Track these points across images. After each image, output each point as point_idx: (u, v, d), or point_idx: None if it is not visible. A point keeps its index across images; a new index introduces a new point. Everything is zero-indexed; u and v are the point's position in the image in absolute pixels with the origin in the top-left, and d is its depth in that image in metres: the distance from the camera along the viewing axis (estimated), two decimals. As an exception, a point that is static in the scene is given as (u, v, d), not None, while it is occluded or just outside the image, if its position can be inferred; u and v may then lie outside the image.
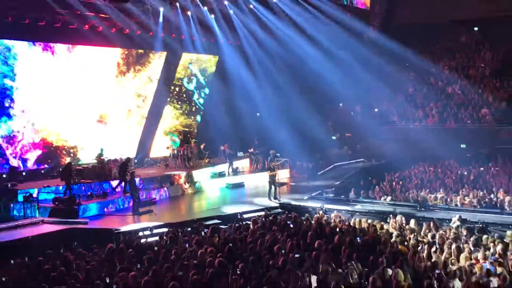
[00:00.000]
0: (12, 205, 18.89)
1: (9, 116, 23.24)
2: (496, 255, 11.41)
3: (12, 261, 12.20)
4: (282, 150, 27.10)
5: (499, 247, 11.95)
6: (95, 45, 25.82)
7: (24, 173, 23.11)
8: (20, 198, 19.06)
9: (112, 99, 27.51)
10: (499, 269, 10.51)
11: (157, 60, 29.40)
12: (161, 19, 25.24)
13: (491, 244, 12.44)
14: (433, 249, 12.19)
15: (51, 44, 24.48)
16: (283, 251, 11.52)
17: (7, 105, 23.12)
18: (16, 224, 17.10)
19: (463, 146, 26.81)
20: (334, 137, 31.81)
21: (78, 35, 24.48)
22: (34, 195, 19.17)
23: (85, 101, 25.82)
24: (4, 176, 22.18)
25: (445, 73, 31.67)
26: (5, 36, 22.73)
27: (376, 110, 32.09)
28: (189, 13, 25.85)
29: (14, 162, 23.39)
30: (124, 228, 16.99)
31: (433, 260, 11.13)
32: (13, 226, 16.85)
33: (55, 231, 16.59)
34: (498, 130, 26.28)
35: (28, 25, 22.60)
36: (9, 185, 20.23)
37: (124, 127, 28.16)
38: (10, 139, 23.41)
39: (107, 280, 10.18)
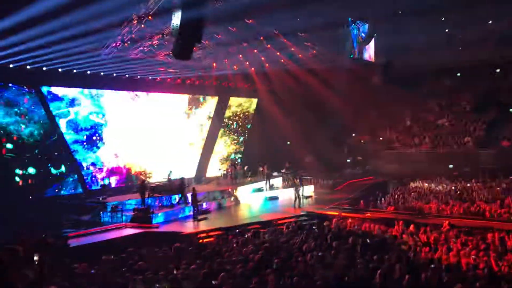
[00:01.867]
0: (102, 213, 19.27)
1: (98, 147, 23.75)
2: (480, 253, 11.12)
3: (103, 257, 12.33)
4: (307, 170, 26.99)
5: (482, 247, 11.66)
6: (165, 92, 26.36)
7: (111, 190, 23.47)
8: (109, 208, 19.36)
9: (179, 133, 27.94)
10: (481, 264, 10.23)
11: (212, 102, 29.79)
12: (214, 72, 25.61)
13: (475, 244, 12.13)
14: (428, 248, 11.94)
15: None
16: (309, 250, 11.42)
17: (94, 138, 23.64)
18: (105, 228, 17.35)
19: (450, 166, 26.26)
20: (348, 160, 31.53)
21: (152, 84, 25.04)
22: (119, 206, 19.42)
23: (158, 134, 26.27)
24: (97, 191, 22.61)
25: (435, 109, 31.21)
26: (98, 87, 23.39)
27: (381, 138, 31.71)
28: (235, 67, 26.18)
29: (103, 182, 23.85)
30: (186, 231, 17.07)
31: (428, 257, 10.88)
32: (103, 230, 17.09)
33: (135, 234, 16.75)
34: (478, 154, 25.76)
35: (115, 78, 23.27)
36: (100, 199, 20.59)
37: (187, 154, 28.49)
38: (99, 165, 23.88)
39: (174, 271, 10.20)
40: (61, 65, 20.12)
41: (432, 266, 9.75)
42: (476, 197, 20.75)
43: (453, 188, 23.21)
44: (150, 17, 16.65)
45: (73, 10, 13.47)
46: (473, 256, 10.80)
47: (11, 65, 18.58)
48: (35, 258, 4.65)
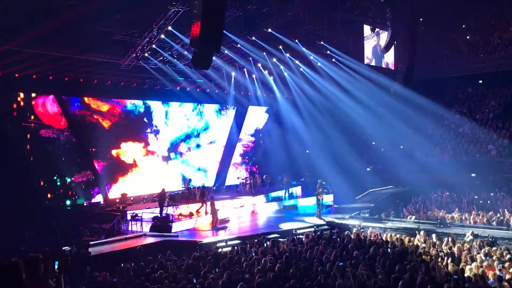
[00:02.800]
0: (122, 222, 19.33)
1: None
2: (506, 264, 10.92)
3: (122, 265, 12.43)
4: (327, 179, 26.82)
5: (507, 257, 11.45)
6: (185, 101, 26.64)
7: (131, 198, 23.57)
8: (128, 217, 19.49)
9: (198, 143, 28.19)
10: (507, 276, 10.06)
11: (231, 111, 29.94)
12: (232, 81, 25.75)
13: (499, 255, 11.92)
14: (451, 258, 11.78)
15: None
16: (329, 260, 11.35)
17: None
18: (125, 236, 17.48)
19: (473, 175, 25.89)
20: (368, 169, 31.26)
21: (172, 94, 25.26)
22: (139, 215, 19.55)
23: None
24: (117, 200, 22.75)
25: (456, 117, 30.88)
26: (117, 96, 23.67)
27: (401, 147, 31.40)
28: (253, 75, 26.26)
29: (124, 190, 23.96)
30: (205, 240, 17.11)
31: (451, 267, 10.74)
32: (123, 238, 17.23)
33: (154, 242, 16.82)
34: (502, 162, 25.37)
35: (135, 87, 23.53)
36: (120, 207, 20.72)
37: (206, 163, 28.63)
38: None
39: (194, 280, 10.25)
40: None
41: (455, 277, 9.62)
42: (500, 207, 20.44)
43: (476, 197, 22.90)
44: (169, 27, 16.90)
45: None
46: (498, 267, 10.62)
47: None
48: (56, 267, 4.71)
